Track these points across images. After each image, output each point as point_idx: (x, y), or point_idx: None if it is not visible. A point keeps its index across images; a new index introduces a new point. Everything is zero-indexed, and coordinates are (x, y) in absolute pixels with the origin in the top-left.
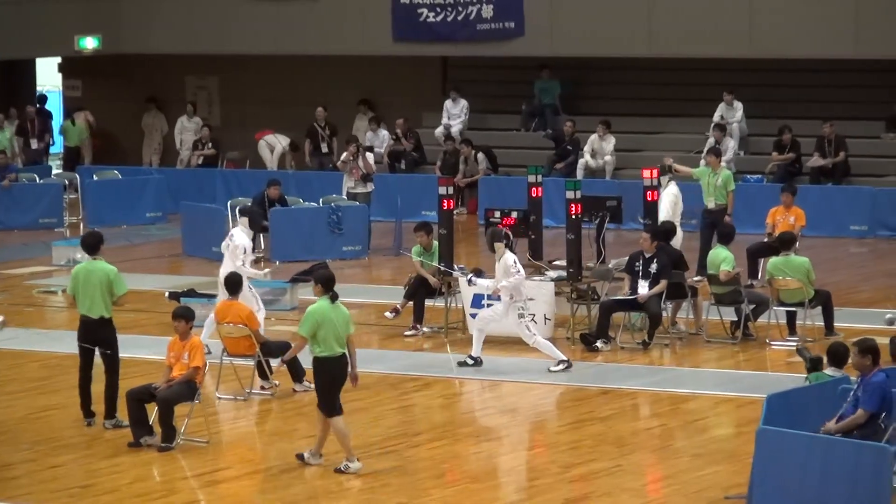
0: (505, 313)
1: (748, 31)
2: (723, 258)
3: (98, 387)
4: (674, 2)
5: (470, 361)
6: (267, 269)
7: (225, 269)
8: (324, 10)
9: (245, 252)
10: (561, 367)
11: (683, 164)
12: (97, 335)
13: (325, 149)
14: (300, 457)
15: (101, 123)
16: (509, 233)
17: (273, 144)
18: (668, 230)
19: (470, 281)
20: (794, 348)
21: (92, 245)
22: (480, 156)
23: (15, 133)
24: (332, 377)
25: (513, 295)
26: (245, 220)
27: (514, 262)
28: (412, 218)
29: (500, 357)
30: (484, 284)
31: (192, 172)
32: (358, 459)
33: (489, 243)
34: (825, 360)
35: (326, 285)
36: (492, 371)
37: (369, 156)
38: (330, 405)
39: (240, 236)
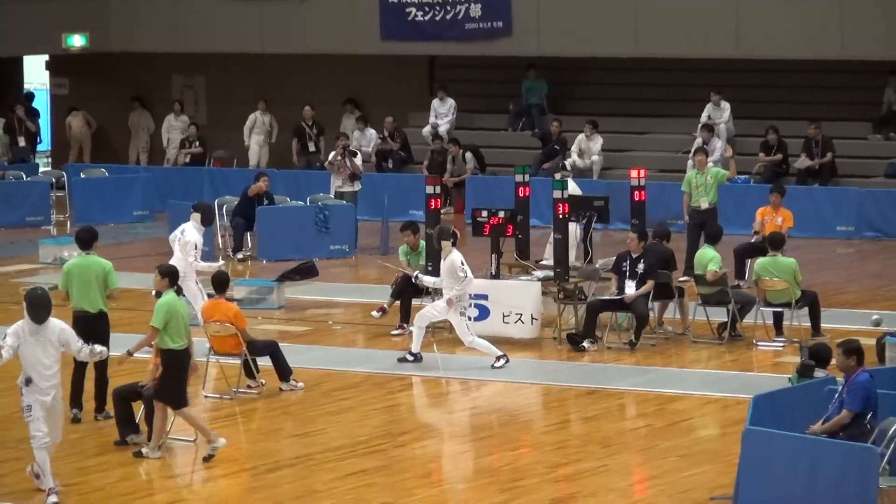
0: (446, 310)
1: (735, 32)
2: (710, 258)
3: (87, 382)
4: (660, 2)
5: (410, 358)
6: (222, 262)
7: (173, 263)
8: (311, 9)
9: (196, 248)
10: (501, 362)
11: (670, 164)
12: (94, 329)
13: (312, 148)
14: (138, 454)
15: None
16: (457, 231)
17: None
18: (663, 234)
19: (416, 277)
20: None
21: (86, 240)
22: (468, 155)
23: (2, 131)
24: (180, 369)
25: (459, 294)
26: (197, 215)
27: (462, 263)
28: (399, 217)
29: (486, 357)
30: (429, 281)
31: (180, 171)
32: (218, 436)
33: (435, 240)
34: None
35: (172, 279)
36: (477, 370)
37: (356, 156)
38: (179, 397)
39: (190, 232)
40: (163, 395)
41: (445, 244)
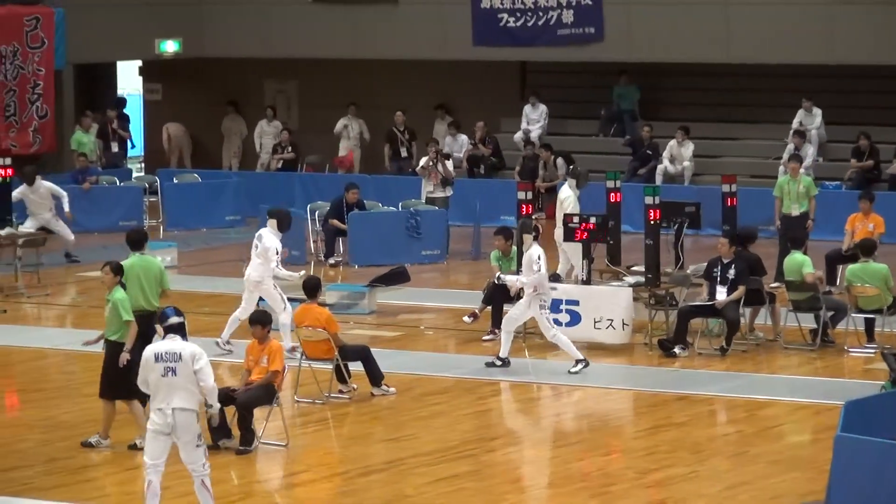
0: (528, 306)
1: (827, 38)
2: (802, 262)
3: None
4: (751, 8)
5: (498, 363)
6: (303, 272)
7: (252, 271)
8: (403, 15)
9: (277, 253)
10: (579, 366)
11: (761, 170)
12: (147, 327)
13: (404, 153)
14: (133, 446)
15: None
16: (538, 225)
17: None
18: (748, 236)
19: (498, 278)
20: (879, 352)
21: (138, 241)
22: (559, 161)
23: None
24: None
25: (536, 287)
26: (273, 221)
27: (538, 258)
28: (491, 223)
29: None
30: (511, 280)
31: (272, 176)
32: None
33: (517, 234)
34: None
35: (116, 271)
36: (568, 376)
37: (448, 161)
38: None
39: (269, 238)
40: (108, 387)
41: (527, 237)
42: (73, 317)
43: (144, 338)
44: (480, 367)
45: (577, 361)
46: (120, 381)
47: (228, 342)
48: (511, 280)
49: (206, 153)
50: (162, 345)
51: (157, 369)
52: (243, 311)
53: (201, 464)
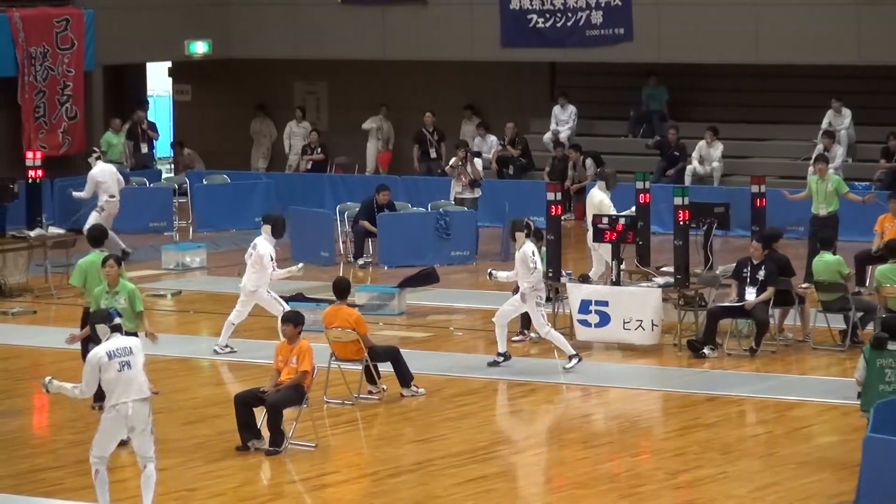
0: (522, 302)
1: (856, 38)
2: (831, 262)
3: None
4: (780, 9)
5: (500, 359)
6: (300, 265)
7: (246, 280)
8: (432, 16)
9: (272, 259)
10: (573, 362)
11: (790, 170)
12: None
13: (433, 154)
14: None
15: (210, 127)
16: (531, 223)
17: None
18: (773, 236)
19: (490, 275)
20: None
21: (99, 238)
22: (588, 161)
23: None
24: None
25: (534, 285)
26: (268, 227)
27: (533, 254)
28: None
29: (606, 363)
30: (503, 276)
31: (301, 177)
32: None
33: (510, 233)
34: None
35: (120, 264)
36: (598, 377)
37: (477, 161)
38: None
39: (263, 245)
40: None
41: (519, 235)
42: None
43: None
44: (511, 368)
45: (571, 357)
46: None
47: (227, 346)
48: (503, 277)
49: (235, 154)
50: (110, 343)
51: (112, 366)
52: (237, 316)
53: (152, 451)
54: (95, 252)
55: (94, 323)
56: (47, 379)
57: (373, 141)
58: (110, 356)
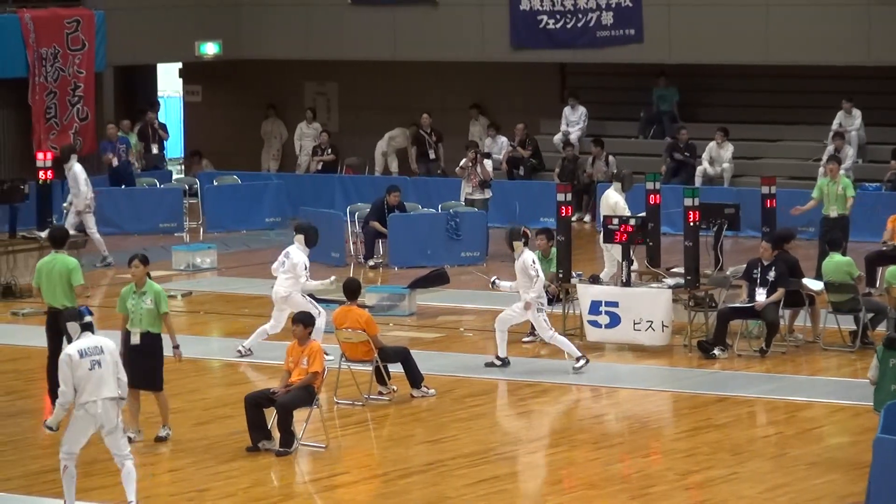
0: (524, 312)
1: (866, 39)
2: (845, 262)
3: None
4: (791, 10)
5: (498, 363)
6: (333, 277)
7: (278, 286)
8: (443, 17)
9: (306, 268)
10: (581, 363)
11: (801, 171)
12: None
13: (431, 155)
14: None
15: (220, 128)
16: (528, 231)
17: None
18: (785, 236)
19: (493, 283)
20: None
21: (58, 238)
22: (612, 159)
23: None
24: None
25: (538, 294)
26: (301, 237)
27: (533, 262)
28: (531, 224)
29: (617, 364)
30: (505, 286)
31: (312, 178)
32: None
33: (507, 242)
34: None
35: (146, 263)
36: (608, 378)
37: (487, 162)
38: None
39: (296, 254)
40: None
41: (517, 245)
42: (114, 318)
43: (59, 333)
44: (521, 369)
45: (578, 358)
46: (149, 372)
47: (249, 349)
48: (506, 287)
49: (245, 155)
50: (81, 342)
51: (83, 365)
52: (273, 327)
53: (127, 449)
54: (54, 253)
55: (65, 321)
56: (45, 422)
57: (380, 145)
58: (81, 354)
